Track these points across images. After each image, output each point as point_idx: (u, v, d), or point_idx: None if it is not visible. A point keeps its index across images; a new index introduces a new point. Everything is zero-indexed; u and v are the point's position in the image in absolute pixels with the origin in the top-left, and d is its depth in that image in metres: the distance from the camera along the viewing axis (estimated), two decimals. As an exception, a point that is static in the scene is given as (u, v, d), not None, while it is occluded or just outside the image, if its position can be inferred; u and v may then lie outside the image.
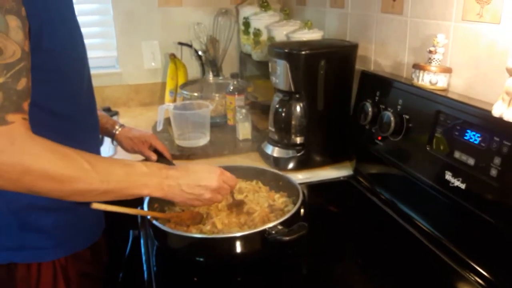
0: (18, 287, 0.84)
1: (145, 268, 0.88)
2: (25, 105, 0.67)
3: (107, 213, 0.82)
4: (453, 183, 0.86)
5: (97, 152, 0.97)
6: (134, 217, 1.05)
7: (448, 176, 0.87)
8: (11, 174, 0.63)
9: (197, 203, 0.86)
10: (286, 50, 1.22)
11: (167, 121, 1.56)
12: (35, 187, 0.66)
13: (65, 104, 0.82)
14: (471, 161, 0.83)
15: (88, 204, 0.77)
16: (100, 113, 1.09)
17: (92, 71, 0.92)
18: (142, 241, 0.96)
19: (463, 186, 0.84)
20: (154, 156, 1.14)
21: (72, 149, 0.69)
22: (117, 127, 1.15)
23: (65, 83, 0.81)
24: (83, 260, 0.90)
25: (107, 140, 1.56)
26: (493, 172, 0.78)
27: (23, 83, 0.66)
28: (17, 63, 0.65)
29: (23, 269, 0.83)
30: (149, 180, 0.77)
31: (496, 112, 0.75)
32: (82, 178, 0.69)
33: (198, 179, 0.83)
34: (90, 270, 0.93)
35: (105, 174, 0.71)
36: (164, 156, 1.16)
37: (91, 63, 0.93)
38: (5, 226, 0.82)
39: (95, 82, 0.93)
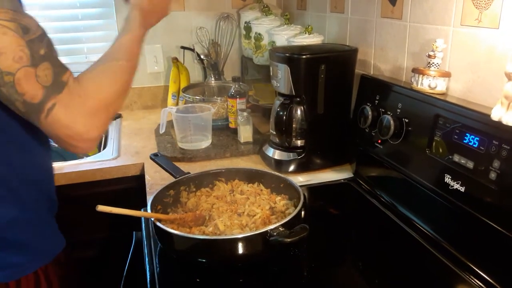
0: None
1: (148, 269, 0.89)
2: (62, 61, 0.75)
3: (111, 215, 0.83)
4: (452, 186, 0.87)
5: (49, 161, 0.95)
6: (138, 219, 1.06)
7: (448, 179, 0.88)
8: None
9: None
10: (287, 55, 1.23)
11: (170, 124, 1.57)
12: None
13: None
14: (470, 164, 0.84)
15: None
16: None
17: (96, 74, 0.94)
18: (145, 242, 0.97)
19: (462, 189, 0.85)
20: None
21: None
22: None
23: None
24: (60, 263, 0.90)
25: (109, 143, 1.57)
26: (492, 175, 0.79)
27: (56, 50, 0.74)
28: (44, 35, 0.72)
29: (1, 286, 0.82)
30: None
31: (495, 116, 0.76)
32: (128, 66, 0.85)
33: None
34: (67, 272, 0.93)
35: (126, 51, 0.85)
36: None
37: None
38: None
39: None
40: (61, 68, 0.73)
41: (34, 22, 0.71)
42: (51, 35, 0.74)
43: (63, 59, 0.75)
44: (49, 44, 0.73)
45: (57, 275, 0.89)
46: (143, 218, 1.04)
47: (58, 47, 0.75)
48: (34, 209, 0.85)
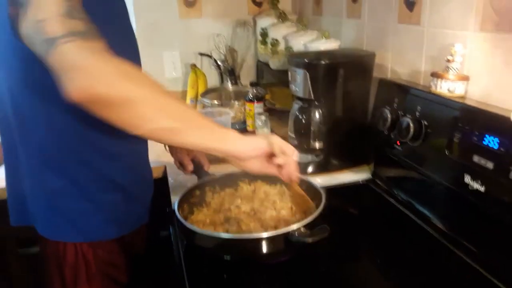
0: (49, 259, 0.94)
1: (178, 264, 0.92)
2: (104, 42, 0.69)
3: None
4: (472, 186, 0.89)
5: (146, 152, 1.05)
6: (163, 218, 1.10)
7: (467, 179, 0.90)
8: (109, 74, 0.66)
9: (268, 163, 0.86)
10: (306, 60, 1.26)
11: (189, 128, 1.61)
12: (130, 91, 0.67)
13: None
14: (490, 165, 0.85)
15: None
16: None
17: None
18: (172, 240, 1.00)
19: (482, 189, 0.87)
20: (190, 166, 1.14)
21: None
22: None
23: None
24: (106, 249, 0.95)
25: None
26: (512, 176, 0.81)
27: (94, 26, 0.69)
28: (83, 12, 0.69)
29: (52, 245, 0.92)
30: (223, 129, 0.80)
31: (514, 117, 0.78)
32: (168, 100, 0.72)
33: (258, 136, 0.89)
34: (113, 260, 0.98)
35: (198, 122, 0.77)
36: (202, 167, 1.15)
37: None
38: (38, 204, 0.91)
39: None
40: (96, 37, 0.68)
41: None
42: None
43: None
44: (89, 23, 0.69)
45: (98, 259, 0.94)
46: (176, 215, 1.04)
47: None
48: (80, 185, 0.89)
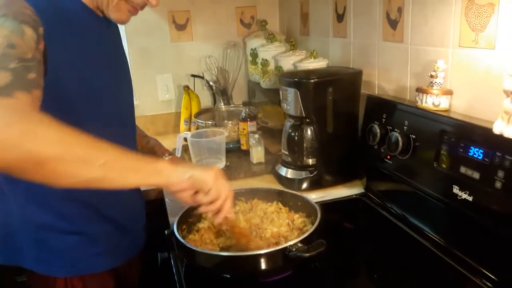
0: None
1: (177, 286, 0.94)
2: (35, 92, 0.67)
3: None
4: (460, 196, 0.92)
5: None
6: (162, 239, 1.11)
7: (456, 189, 0.94)
8: (13, 139, 0.60)
9: (197, 197, 0.81)
10: (296, 79, 1.30)
11: (183, 148, 1.64)
12: (38, 153, 0.62)
13: None
14: (476, 175, 0.89)
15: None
16: (153, 141, 1.22)
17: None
18: (172, 261, 1.02)
19: (470, 198, 0.90)
20: None
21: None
22: (166, 154, 1.23)
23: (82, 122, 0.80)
24: (97, 282, 0.96)
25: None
26: (498, 185, 0.84)
27: (32, 76, 0.68)
28: (27, 60, 0.68)
29: (41, 278, 0.92)
30: (145, 165, 0.76)
31: (497, 129, 0.81)
32: (84, 150, 0.66)
33: (193, 167, 0.84)
34: None
35: (101, 151, 0.69)
36: None
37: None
38: (27, 239, 0.91)
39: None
40: (22, 86, 0.65)
41: (26, 49, 0.69)
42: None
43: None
44: (27, 68, 0.67)
45: None
46: (170, 237, 1.04)
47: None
48: (67, 219, 0.90)
